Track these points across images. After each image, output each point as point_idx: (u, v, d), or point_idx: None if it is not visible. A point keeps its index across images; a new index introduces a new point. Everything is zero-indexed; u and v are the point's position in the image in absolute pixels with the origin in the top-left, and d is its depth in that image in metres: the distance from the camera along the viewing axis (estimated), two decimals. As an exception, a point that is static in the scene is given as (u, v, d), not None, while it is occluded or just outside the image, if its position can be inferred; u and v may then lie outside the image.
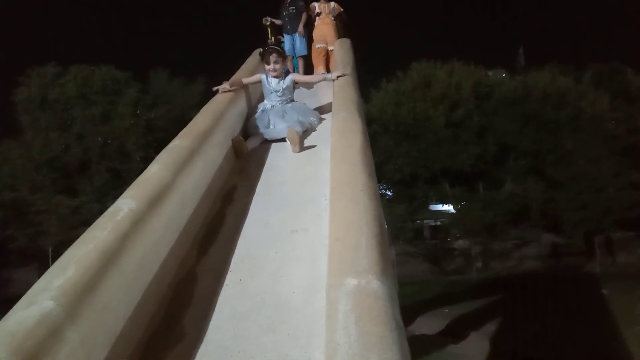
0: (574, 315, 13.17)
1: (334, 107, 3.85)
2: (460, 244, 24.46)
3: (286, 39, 6.97)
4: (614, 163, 18.52)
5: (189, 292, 2.43)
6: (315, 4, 7.06)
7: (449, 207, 25.00)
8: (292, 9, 6.96)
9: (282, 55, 4.62)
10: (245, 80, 4.72)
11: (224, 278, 2.49)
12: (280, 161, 3.91)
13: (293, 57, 6.98)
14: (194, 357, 1.96)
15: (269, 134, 4.29)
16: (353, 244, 1.80)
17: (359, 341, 1.32)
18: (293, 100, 4.63)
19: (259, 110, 4.51)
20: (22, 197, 18.77)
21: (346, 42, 6.33)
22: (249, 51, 6.40)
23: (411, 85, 22.13)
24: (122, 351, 1.89)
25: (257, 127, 4.32)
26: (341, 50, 5.88)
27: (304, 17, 6.95)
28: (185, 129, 3.52)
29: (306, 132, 4.30)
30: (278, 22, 7.18)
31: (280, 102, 4.52)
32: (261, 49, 4.70)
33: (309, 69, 6.98)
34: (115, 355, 1.83)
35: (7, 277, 21.31)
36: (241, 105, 4.57)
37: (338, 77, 4.53)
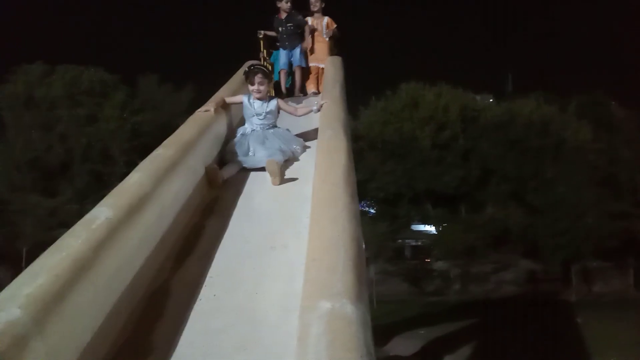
0: (550, 341, 13.27)
1: (320, 125, 3.85)
2: (439, 265, 24.56)
3: (282, 53, 6.93)
4: (593, 192, 18.83)
5: (162, 305, 2.39)
6: (309, 18, 7.06)
7: (430, 228, 25.14)
8: (290, 26, 6.87)
9: (267, 76, 4.34)
10: (228, 100, 4.48)
11: (199, 293, 2.46)
12: (257, 193, 3.60)
13: (287, 71, 6.94)
14: (162, 374, 1.92)
15: (247, 162, 3.94)
16: (330, 266, 1.80)
17: (329, 364, 1.31)
18: (275, 126, 4.28)
19: (239, 135, 4.21)
20: None
21: (337, 60, 6.37)
22: (240, 61, 6.35)
23: (399, 105, 22.35)
24: (94, 357, 1.85)
25: (235, 154, 3.98)
26: (332, 69, 5.92)
27: (307, 31, 6.88)
28: (169, 138, 3.50)
29: (288, 161, 4.00)
30: (271, 33, 7.17)
31: (261, 126, 4.18)
32: (246, 69, 4.40)
33: (305, 81, 6.94)
34: (83, 365, 1.79)
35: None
36: (219, 129, 4.22)
37: (322, 106, 4.29)
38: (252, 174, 3.90)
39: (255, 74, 4.21)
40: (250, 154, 3.97)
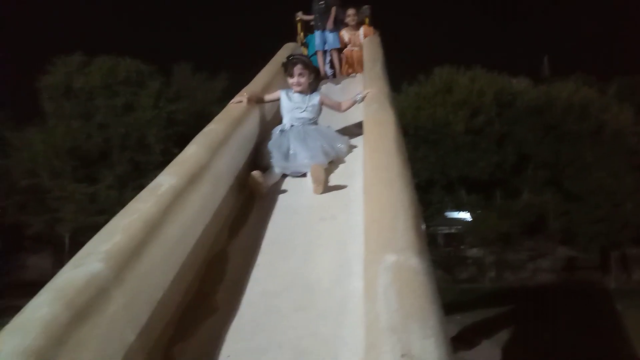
0: (588, 329, 13.05)
1: (365, 101, 3.85)
2: (473, 252, 24.29)
3: (316, 35, 7.00)
4: (633, 178, 18.26)
5: (221, 270, 2.49)
6: (344, 32, 6.99)
7: (464, 215, 24.83)
8: (322, 4, 6.95)
9: (308, 67, 3.92)
10: (267, 98, 4.04)
11: (255, 259, 2.55)
12: (293, 216, 3.04)
13: (324, 51, 6.98)
14: (228, 330, 2.02)
15: (289, 168, 3.48)
16: (390, 225, 1.85)
17: (400, 312, 1.36)
18: (316, 124, 3.87)
19: (276, 133, 3.76)
20: (40, 183, 19.09)
21: (375, 38, 6.37)
22: (275, 47, 6.39)
23: (433, 90, 22.02)
24: (160, 319, 1.96)
25: (272, 156, 3.51)
26: (371, 47, 5.92)
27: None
28: (219, 115, 3.58)
29: (332, 163, 3.56)
30: (307, 17, 7.22)
31: (302, 122, 3.77)
32: (285, 59, 4.02)
33: (341, 63, 6.95)
34: (154, 321, 1.89)
35: (22, 263, 21.71)
36: (251, 125, 3.77)
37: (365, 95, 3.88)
38: (289, 182, 3.49)
39: (295, 64, 3.85)
40: (291, 153, 3.54)
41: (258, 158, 3.61)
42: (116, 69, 22.39)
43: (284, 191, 3.35)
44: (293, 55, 4.05)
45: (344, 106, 4.03)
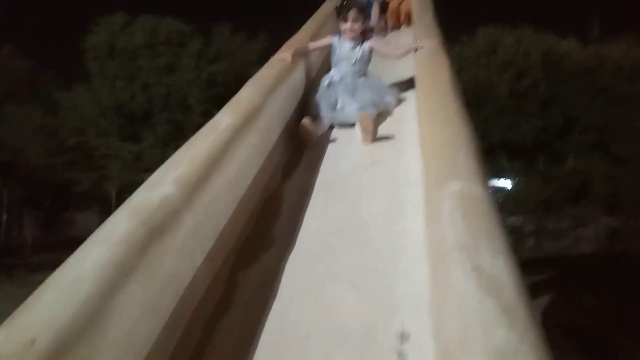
0: (632, 297, 12.81)
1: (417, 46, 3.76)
2: (512, 220, 23.92)
3: None
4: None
5: (275, 210, 2.56)
6: None
7: (505, 182, 24.37)
8: None
9: (364, 12, 3.74)
10: (313, 45, 3.91)
11: (307, 200, 2.60)
12: (344, 161, 3.05)
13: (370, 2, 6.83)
14: (286, 262, 2.08)
15: (336, 118, 3.45)
16: (451, 158, 1.85)
17: (467, 232, 1.38)
18: (365, 75, 3.75)
19: (324, 84, 3.68)
20: (87, 142, 19.71)
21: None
22: (313, 9, 6.17)
23: (476, 51, 21.35)
24: (224, 246, 2.04)
25: (319, 107, 3.47)
26: (419, 1, 5.77)
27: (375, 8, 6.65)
28: (267, 64, 3.59)
29: (380, 115, 3.45)
30: None
31: (351, 73, 3.66)
32: (340, 3, 3.79)
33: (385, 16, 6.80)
34: (218, 247, 1.97)
35: (70, 219, 22.73)
36: (297, 79, 3.64)
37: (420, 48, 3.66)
38: (337, 132, 3.46)
39: (350, 8, 3.66)
40: (339, 106, 3.49)
41: (306, 109, 3.56)
42: (158, 29, 22.61)
43: (333, 140, 3.36)
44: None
45: (398, 53, 3.86)
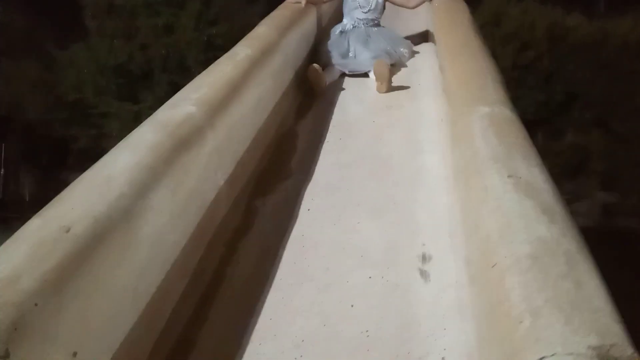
0: (623, 273, 12.97)
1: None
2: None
3: None
4: (688, 123, 17.48)
5: (292, 144, 2.55)
6: None
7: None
8: None
9: None
10: None
11: (324, 136, 2.58)
12: (357, 114, 2.96)
13: None
14: (305, 190, 2.08)
15: (348, 65, 3.31)
16: (479, 86, 1.84)
17: (502, 146, 1.37)
18: (379, 25, 3.62)
19: (336, 33, 3.56)
20: (86, 99, 19.49)
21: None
22: None
23: (480, 22, 21.10)
24: (243, 171, 2.04)
25: (331, 55, 3.34)
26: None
27: None
28: (278, 8, 3.47)
29: (394, 66, 3.30)
30: None
31: (364, 22, 3.54)
32: None
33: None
34: (238, 172, 1.97)
35: (65, 179, 22.64)
36: (309, 25, 3.55)
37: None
38: (350, 81, 3.28)
39: None
40: (351, 54, 3.37)
41: (317, 57, 3.42)
42: (158, -12, 22.22)
43: (345, 89, 3.21)
44: None
45: (413, 2, 3.70)
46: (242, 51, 2.38)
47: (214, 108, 1.83)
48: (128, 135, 1.57)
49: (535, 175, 1.23)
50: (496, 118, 1.54)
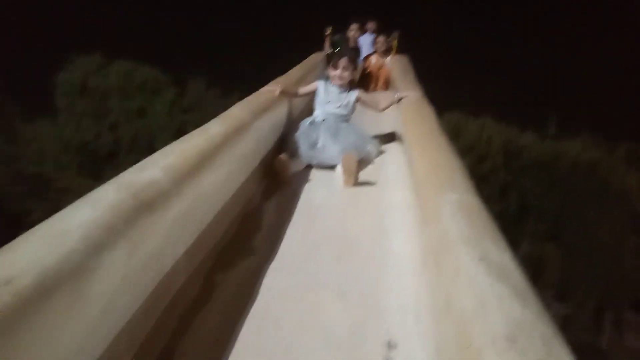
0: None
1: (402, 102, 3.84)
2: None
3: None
4: (635, 242, 18.28)
5: (258, 222, 2.50)
6: (373, 57, 6.94)
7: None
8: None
9: (354, 62, 3.76)
10: (302, 91, 3.83)
11: (291, 216, 2.55)
12: (324, 198, 2.85)
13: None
14: (268, 269, 2.00)
15: (316, 157, 3.32)
16: (447, 175, 1.86)
17: (471, 229, 1.36)
18: (348, 122, 3.69)
19: (306, 124, 3.59)
20: (47, 174, 19.07)
21: (402, 57, 6.48)
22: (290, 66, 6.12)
23: (442, 133, 22.22)
24: (205, 244, 1.95)
25: (299, 146, 3.36)
26: (399, 64, 6.02)
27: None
28: (250, 97, 3.49)
29: (361, 162, 3.30)
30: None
31: (335, 117, 3.60)
32: (330, 50, 4.03)
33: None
34: (200, 244, 1.89)
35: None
36: (280, 114, 3.55)
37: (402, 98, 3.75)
38: (316, 172, 3.27)
39: (342, 56, 3.65)
40: (319, 146, 3.39)
41: (284, 147, 3.43)
42: (133, 74, 22.72)
43: (311, 180, 3.15)
44: (340, 44, 3.87)
45: (382, 105, 3.84)
46: (214, 127, 2.39)
47: (182, 175, 1.79)
48: (90, 192, 1.50)
49: (506, 259, 1.22)
50: (465, 204, 1.55)
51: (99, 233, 1.28)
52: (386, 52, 7.17)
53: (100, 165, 20.74)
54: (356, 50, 6.85)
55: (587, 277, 18.03)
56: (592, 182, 19.44)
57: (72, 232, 1.23)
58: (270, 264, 2.04)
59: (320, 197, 2.88)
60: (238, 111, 2.81)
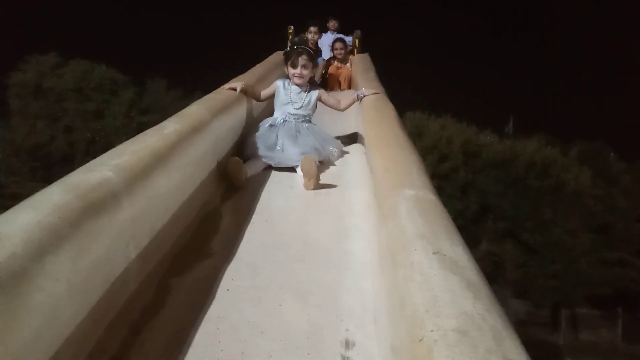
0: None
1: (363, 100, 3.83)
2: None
3: None
4: (589, 238, 18.95)
5: (215, 224, 2.44)
6: (337, 63, 6.96)
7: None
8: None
9: (313, 59, 3.60)
10: (264, 94, 3.72)
11: (250, 218, 2.50)
12: (284, 200, 2.82)
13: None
14: (225, 270, 1.96)
15: (275, 158, 3.21)
16: (405, 171, 1.87)
17: (426, 226, 1.36)
18: (310, 122, 3.60)
19: (265, 125, 3.47)
20: (-3, 179, 18.38)
21: (365, 55, 6.51)
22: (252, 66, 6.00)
23: (403, 133, 22.49)
24: (159, 247, 1.90)
25: (257, 147, 3.24)
26: (362, 62, 6.05)
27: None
28: (209, 94, 3.40)
29: (322, 163, 3.30)
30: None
31: (295, 118, 3.51)
32: (289, 47, 3.64)
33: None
34: (153, 247, 1.83)
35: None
36: (239, 113, 3.43)
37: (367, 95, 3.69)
38: (275, 174, 3.17)
39: (300, 54, 3.49)
40: (278, 148, 3.26)
41: (242, 147, 3.32)
42: (90, 74, 22.08)
43: (271, 181, 3.07)
44: (299, 45, 3.61)
45: (343, 104, 3.77)
46: (170, 125, 2.33)
47: (134, 176, 1.73)
48: (33, 195, 1.43)
49: (459, 253, 1.22)
50: (421, 200, 1.56)
51: (41, 237, 1.22)
52: (348, 53, 7.21)
53: (54, 170, 20.10)
54: (316, 50, 6.83)
55: (543, 275, 18.61)
56: (548, 181, 20.11)
57: (12, 236, 1.16)
58: (227, 265, 2.00)
59: (280, 198, 2.85)
60: (196, 110, 2.75)
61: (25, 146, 20.08)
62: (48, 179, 19.91)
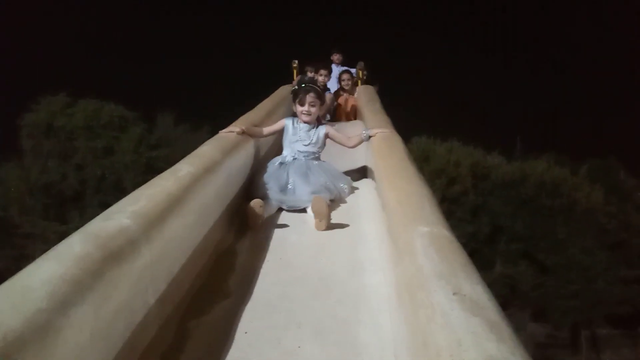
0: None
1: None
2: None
3: None
4: (605, 256, 18.68)
5: (230, 262, 2.46)
6: (344, 95, 7.09)
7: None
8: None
9: (320, 97, 3.60)
10: (267, 130, 3.70)
11: (265, 255, 2.52)
12: (297, 236, 2.80)
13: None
14: (243, 311, 1.97)
15: (286, 201, 3.15)
16: (417, 205, 1.88)
17: (444, 263, 1.37)
18: (319, 159, 3.61)
19: (275, 164, 3.47)
20: (10, 218, 18.53)
21: (368, 87, 6.59)
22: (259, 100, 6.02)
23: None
24: (177, 290, 1.91)
25: (268, 188, 3.19)
26: (366, 93, 6.12)
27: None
28: (209, 140, 3.34)
29: (333, 201, 3.27)
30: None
31: (305, 155, 3.51)
32: (296, 86, 3.68)
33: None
34: (171, 291, 1.85)
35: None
36: (246, 153, 3.39)
37: (375, 134, 3.54)
38: (285, 215, 3.13)
39: (308, 92, 3.52)
40: (290, 187, 3.25)
41: (252, 190, 3.28)
42: (99, 112, 22.44)
43: (283, 225, 2.99)
44: (306, 83, 3.62)
45: (352, 142, 3.69)
46: (184, 168, 2.37)
47: (151, 221, 1.76)
48: (55, 246, 1.46)
49: (479, 292, 1.22)
50: (436, 237, 1.57)
51: (65, 289, 1.24)
52: (353, 85, 7.34)
53: (67, 208, 20.27)
54: (324, 90, 6.92)
55: (561, 296, 18.28)
56: (559, 200, 19.95)
57: (37, 290, 1.19)
58: (244, 306, 2.01)
59: (294, 235, 2.87)
60: (208, 150, 2.80)
61: (38, 185, 20.31)
62: (61, 217, 20.09)
